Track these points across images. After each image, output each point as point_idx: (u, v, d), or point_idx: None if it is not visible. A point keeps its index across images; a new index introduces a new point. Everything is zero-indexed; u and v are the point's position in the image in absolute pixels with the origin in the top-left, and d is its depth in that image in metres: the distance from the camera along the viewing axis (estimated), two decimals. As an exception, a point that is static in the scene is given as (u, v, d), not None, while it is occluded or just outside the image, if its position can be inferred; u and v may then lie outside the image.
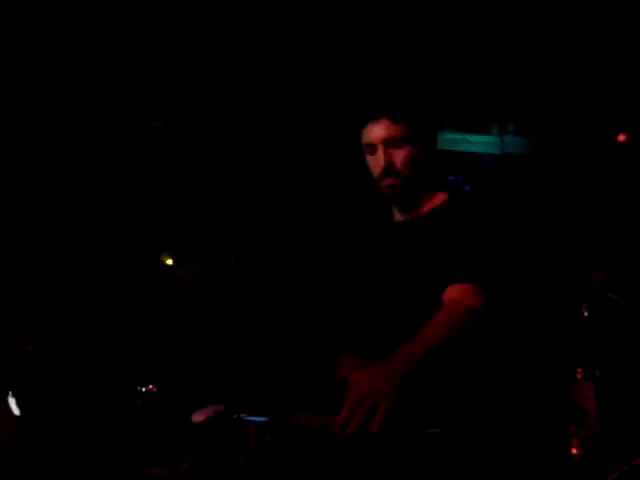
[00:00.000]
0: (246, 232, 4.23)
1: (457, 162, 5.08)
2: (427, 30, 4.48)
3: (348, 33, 4.34)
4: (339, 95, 4.25)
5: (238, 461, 2.19)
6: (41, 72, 3.99)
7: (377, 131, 2.78)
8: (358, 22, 4.35)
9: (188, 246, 4.24)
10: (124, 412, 2.47)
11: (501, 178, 5.20)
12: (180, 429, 2.35)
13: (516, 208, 4.31)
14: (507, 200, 4.40)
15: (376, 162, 2.80)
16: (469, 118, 5.30)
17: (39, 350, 2.53)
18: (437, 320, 2.53)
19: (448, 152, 5.05)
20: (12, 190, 3.88)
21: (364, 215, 3.16)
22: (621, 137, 4.55)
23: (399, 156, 2.78)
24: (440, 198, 2.88)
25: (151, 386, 2.54)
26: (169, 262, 4.16)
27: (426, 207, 2.87)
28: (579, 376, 3.69)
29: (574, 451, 3.19)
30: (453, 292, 2.62)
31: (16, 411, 2.28)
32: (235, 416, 2.35)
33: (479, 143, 5.35)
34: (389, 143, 2.78)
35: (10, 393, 2.26)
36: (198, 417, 2.36)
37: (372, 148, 2.80)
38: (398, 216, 2.93)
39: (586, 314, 3.85)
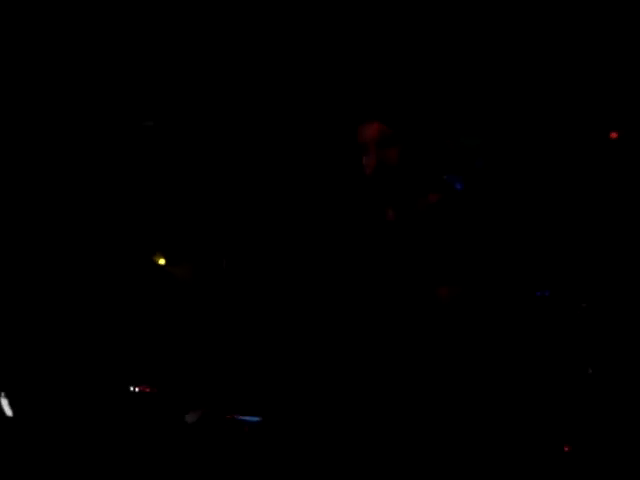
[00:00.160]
0: (238, 232, 4.23)
1: (448, 163, 5.09)
2: (418, 32, 4.48)
3: (340, 34, 4.35)
4: (332, 95, 4.25)
5: (232, 460, 2.19)
6: (31, 70, 3.99)
7: (369, 132, 2.79)
8: (349, 23, 4.35)
9: (180, 246, 4.24)
10: (118, 411, 2.47)
11: (492, 177, 5.21)
12: (174, 429, 2.35)
13: (506, 206, 4.32)
14: (498, 199, 4.41)
15: (368, 162, 2.81)
16: (460, 119, 5.31)
17: (33, 350, 2.53)
18: None
19: (440, 153, 5.05)
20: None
21: (356, 214, 3.16)
22: (613, 134, 4.56)
23: (391, 156, 2.79)
24: (432, 198, 2.89)
25: (144, 386, 2.54)
26: (161, 262, 4.16)
27: (418, 207, 2.88)
28: (569, 373, 3.70)
29: (566, 448, 3.19)
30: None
31: (8, 411, 2.27)
32: (228, 416, 2.36)
33: (470, 144, 5.36)
34: (381, 143, 2.78)
35: (2, 394, 2.26)
36: (191, 417, 2.37)
37: (365, 148, 2.81)
38: (390, 215, 2.93)
39: (579, 312, 3.86)
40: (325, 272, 3.23)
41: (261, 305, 4.18)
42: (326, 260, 3.30)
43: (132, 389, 2.52)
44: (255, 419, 2.32)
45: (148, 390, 2.52)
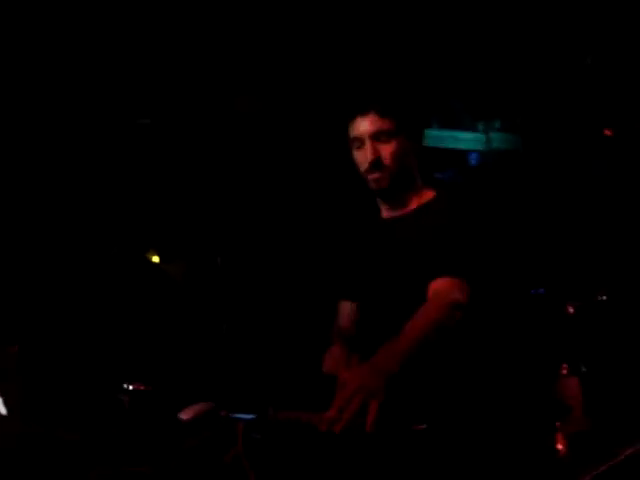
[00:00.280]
0: (233, 230, 4.22)
1: (444, 159, 5.08)
2: (416, 26, 4.48)
3: (337, 28, 4.33)
4: (327, 89, 4.24)
5: (226, 459, 2.18)
6: (27, 69, 3.97)
7: (365, 125, 2.77)
8: (346, 18, 4.34)
9: (174, 244, 4.23)
10: (111, 410, 2.46)
11: (487, 174, 5.21)
12: (168, 427, 2.34)
13: (502, 204, 4.32)
14: (493, 196, 4.41)
15: (363, 156, 2.79)
16: (455, 114, 5.31)
17: (24, 350, 2.51)
18: (422, 314, 2.53)
19: (434, 149, 5.05)
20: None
21: (351, 211, 3.15)
22: (607, 132, 4.56)
23: (386, 150, 2.77)
24: (427, 194, 2.88)
25: (138, 384, 2.53)
26: (155, 260, 4.15)
27: (413, 203, 2.87)
28: (564, 372, 3.70)
29: (560, 447, 3.19)
30: (438, 285, 2.63)
31: (2, 410, 2.26)
32: (223, 413, 2.35)
33: (465, 140, 5.36)
34: (377, 137, 2.77)
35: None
36: (185, 415, 2.36)
37: (360, 142, 2.79)
38: (385, 212, 2.92)
39: (572, 310, 3.86)
40: (319, 268, 3.22)
41: (256, 303, 4.18)
42: (320, 256, 3.29)
43: (126, 387, 2.51)
44: (250, 417, 2.31)
45: (142, 388, 2.51)
